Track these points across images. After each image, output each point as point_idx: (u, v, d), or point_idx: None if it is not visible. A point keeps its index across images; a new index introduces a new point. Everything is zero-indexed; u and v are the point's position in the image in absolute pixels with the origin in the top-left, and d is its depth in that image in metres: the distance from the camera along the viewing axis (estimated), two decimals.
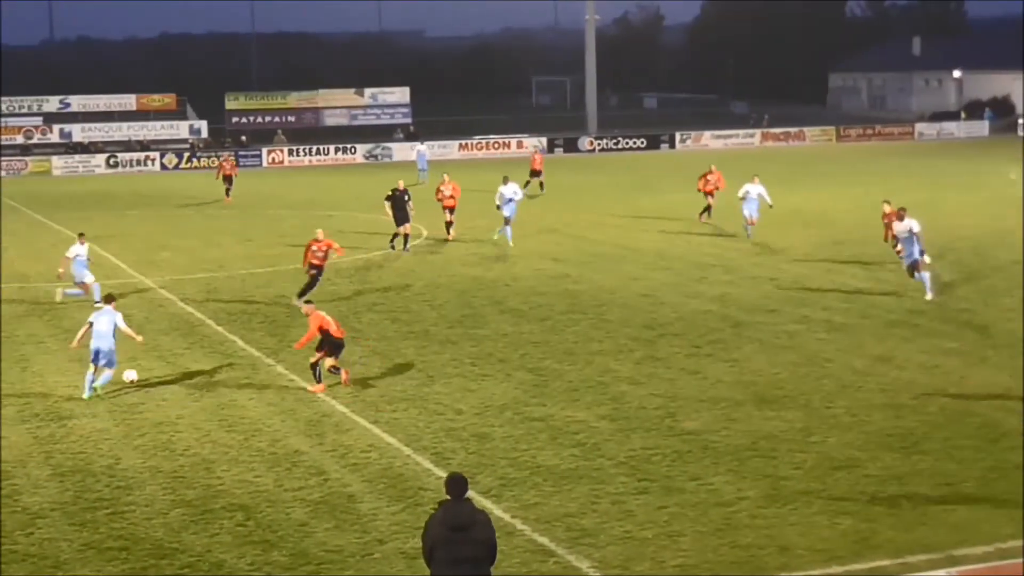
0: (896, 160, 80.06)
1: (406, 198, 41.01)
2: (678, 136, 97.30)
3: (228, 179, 60.80)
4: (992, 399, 23.03)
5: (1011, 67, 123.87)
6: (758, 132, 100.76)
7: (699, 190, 47.66)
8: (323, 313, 24.70)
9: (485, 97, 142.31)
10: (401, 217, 40.71)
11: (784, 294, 33.37)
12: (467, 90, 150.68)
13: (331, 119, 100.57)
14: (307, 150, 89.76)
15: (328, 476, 19.44)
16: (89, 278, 33.37)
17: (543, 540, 16.67)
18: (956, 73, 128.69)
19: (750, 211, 42.24)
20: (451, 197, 43.91)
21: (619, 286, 34.93)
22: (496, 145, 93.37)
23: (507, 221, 42.40)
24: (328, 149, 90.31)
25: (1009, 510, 17.36)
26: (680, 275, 36.77)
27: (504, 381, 24.94)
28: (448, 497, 12.47)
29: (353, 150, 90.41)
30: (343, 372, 24.54)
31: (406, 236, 41.23)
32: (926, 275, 32.28)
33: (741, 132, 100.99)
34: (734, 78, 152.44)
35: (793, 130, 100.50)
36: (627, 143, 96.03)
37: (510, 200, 42.65)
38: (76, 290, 33.56)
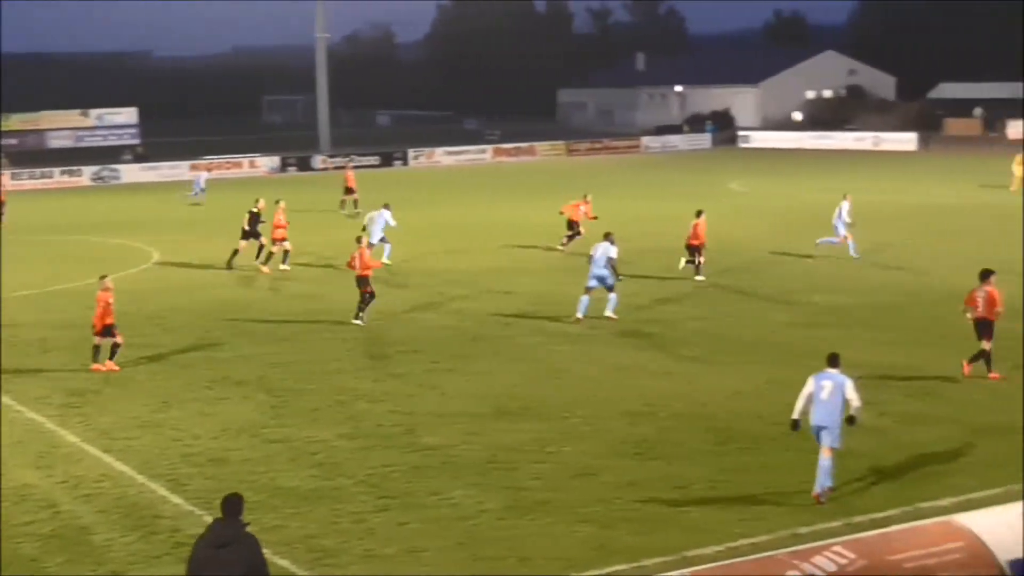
0: (625, 173, 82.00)
1: (261, 217, 42.26)
2: (411, 153, 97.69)
3: None
4: (722, 403, 23.82)
5: (729, 82, 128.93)
6: (490, 148, 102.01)
7: (569, 217, 44.95)
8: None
9: (216, 117, 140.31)
10: (251, 232, 41.74)
11: (521, 307, 33.81)
12: (197, 110, 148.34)
13: (56, 141, 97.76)
14: (30, 173, 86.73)
15: (59, 508, 18.82)
16: None
17: (284, 563, 16.46)
18: (678, 88, 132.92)
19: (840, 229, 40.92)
20: (286, 226, 41.71)
21: (354, 305, 34.76)
22: (228, 165, 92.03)
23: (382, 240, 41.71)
24: (52, 172, 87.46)
25: (738, 509, 17.98)
26: (417, 291, 36.90)
27: (242, 403, 24.58)
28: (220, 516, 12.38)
29: (79, 172, 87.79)
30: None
31: (262, 248, 41.63)
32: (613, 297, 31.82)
33: (473, 148, 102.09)
34: (465, 95, 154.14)
35: (524, 145, 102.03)
36: (360, 161, 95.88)
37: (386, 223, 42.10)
38: None
